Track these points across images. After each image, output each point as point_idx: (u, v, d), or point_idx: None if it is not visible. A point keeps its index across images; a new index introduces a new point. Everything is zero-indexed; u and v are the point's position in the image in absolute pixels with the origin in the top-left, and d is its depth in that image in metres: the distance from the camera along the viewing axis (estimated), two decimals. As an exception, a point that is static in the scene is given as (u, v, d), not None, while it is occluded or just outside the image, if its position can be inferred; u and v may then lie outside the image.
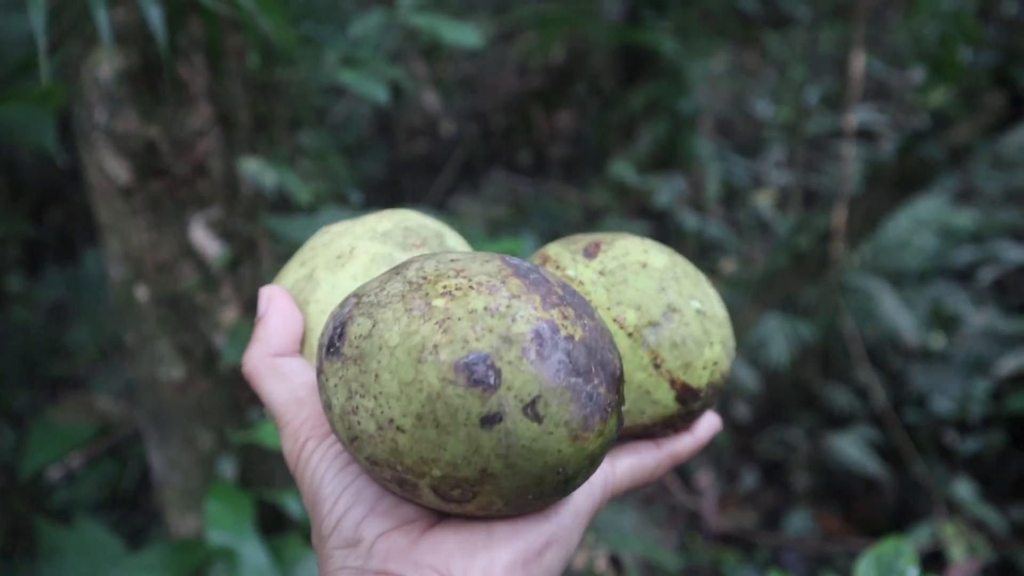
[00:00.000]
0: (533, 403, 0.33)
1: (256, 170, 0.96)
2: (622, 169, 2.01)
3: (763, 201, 2.34)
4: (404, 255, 0.45)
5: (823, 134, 2.16)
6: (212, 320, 0.96)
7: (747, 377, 1.83)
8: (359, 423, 0.34)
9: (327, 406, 0.36)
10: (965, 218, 2.16)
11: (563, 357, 0.33)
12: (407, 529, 0.37)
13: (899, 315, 1.84)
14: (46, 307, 1.51)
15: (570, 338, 0.34)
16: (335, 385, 0.35)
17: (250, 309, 0.98)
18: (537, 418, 0.33)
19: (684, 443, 0.47)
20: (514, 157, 2.67)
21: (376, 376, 0.34)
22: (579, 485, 0.36)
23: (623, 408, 0.37)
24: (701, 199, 2.24)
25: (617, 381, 0.35)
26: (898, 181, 1.62)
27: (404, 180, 2.53)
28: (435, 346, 0.33)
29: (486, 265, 0.36)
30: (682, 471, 1.92)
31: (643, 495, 1.82)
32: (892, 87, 2.38)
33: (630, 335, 0.43)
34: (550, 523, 0.38)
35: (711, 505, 1.89)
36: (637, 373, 0.43)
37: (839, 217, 1.61)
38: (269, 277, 1.01)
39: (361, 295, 0.36)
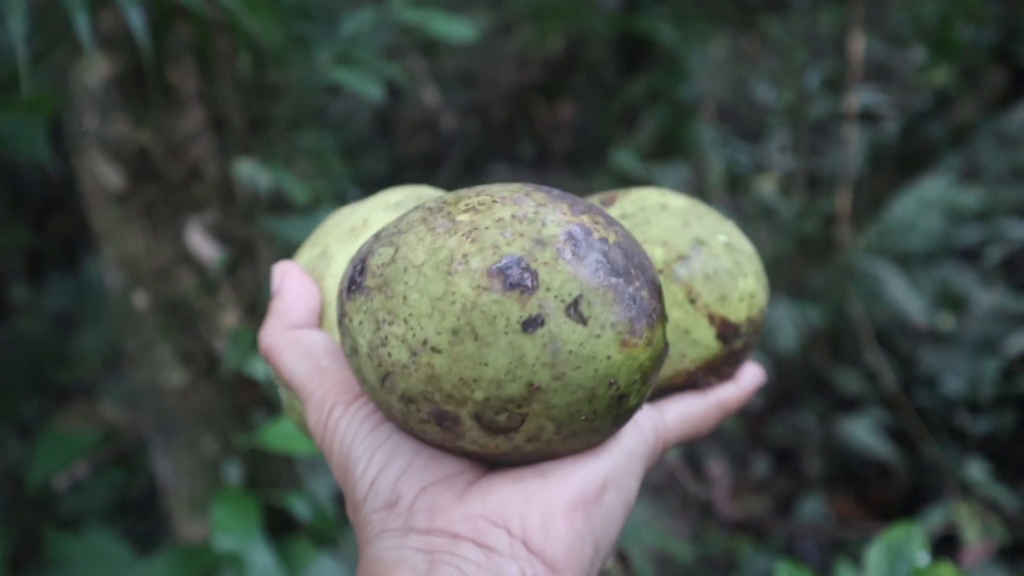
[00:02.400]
0: (576, 303, 0.30)
1: (251, 172, 0.95)
2: (624, 159, 2.00)
3: (767, 186, 2.32)
4: None
5: (825, 117, 2.14)
6: (212, 324, 0.95)
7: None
8: (390, 355, 0.32)
9: (353, 351, 0.33)
10: (970, 197, 2.14)
11: (600, 257, 0.31)
12: (451, 482, 0.34)
13: (907, 297, 1.83)
14: (50, 316, 1.52)
15: (604, 240, 0.32)
16: (360, 322, 0.33)
17: (250, 312, 0.98)
18: (582, 319, 0.30)
19: (731, 392, 0.44)
20: (515, 150, 2.66)
21: (404, 298, 0.31)
22: (633, 407, 0.33)
23: (665, 322, 0.34)
24: (704, 186, 2.23)
25: (657, 290, 0.33)
26: (902, 162, 1.61)
27: (406, 176, 2.53)
28: (464, 255, 0.31)
29: (508, 185, 0.34)
30: (693, 460, 1.91)
31: (654, 486, 1.82)
32: (893, 68, 2.36)
33: (660, 271, 0.41)
34: (603, 462, 0.35)
35: (723, 493, 1.88)
36: (673, 311, 0.41)
37: (843, 200, 1.59)
38: (268, 280, 1.00)
39: (380, 232, 0.34)
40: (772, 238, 2.05)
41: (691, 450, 1.91)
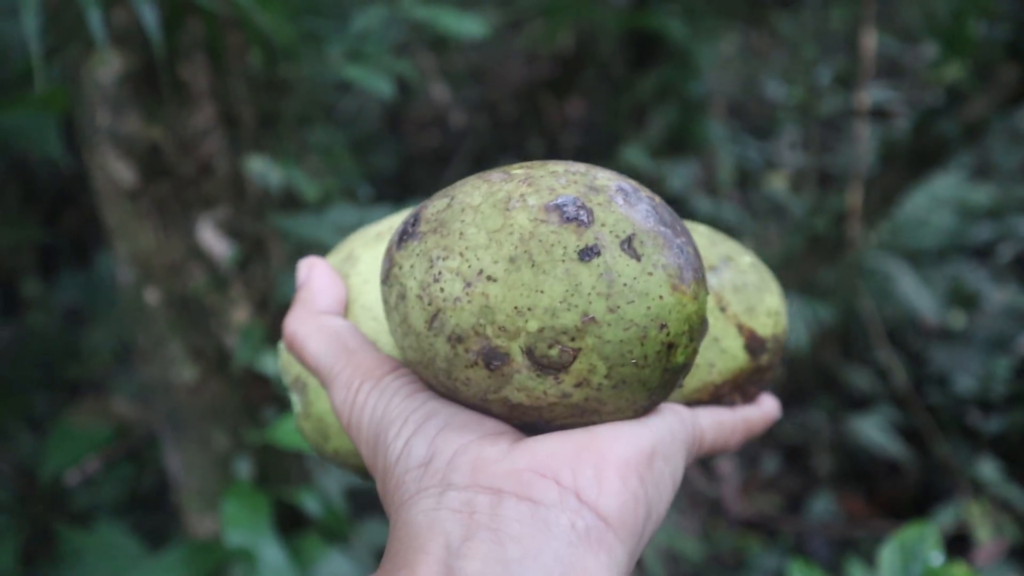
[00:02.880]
0: (629, 240, 0.31)
1: (262, 168, 0.95)
2: (634, 155, 1.99)
3: (777, 183, 2.32)
4: None
5: (836, 114, 2.13)
6: (223, 321, 0.95)
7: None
8: (442, 290, 0.32)
9: (400, 298, 0.33)
10: (982, 194, 2.13)
11: (649, 208, 0.32)
12: (493, 439, 0.32)
13: (918, 294, 1.82)
14: (62, 311, 1.52)
15: (652, 198, 0.33)
16: (411, 266, 0.33)
17: (261, 308, 0.98)
18: (636, 255, 0.31)
19: (755, 413, 0.43)
20: (525, 146, 2.66)
21: (460, 234, 0.32)
22: (679, 366, 0.33)
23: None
24: (714, 183, 2.22)
25: (698, 253, 0.34)
26: (913, 159, 1.60)
27: (415, 173, 2.53)
28: (522, 195, 0.32)
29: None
30: (703, 458, 1.90)
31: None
32: (905, 64, 2.35)
33: None
34: (651, 430, 0.34)
35: (732, 491, 1.88)
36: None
37: (855, 197, 1.59)
38: (278, 276, 1.00)
39: (432, 195, 0.35)
40: (782, 235, 2.04)
41: (700, 447, 1.90)
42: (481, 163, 2.50)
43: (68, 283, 1.54)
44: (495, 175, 0.34)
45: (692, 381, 0.42)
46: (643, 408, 0.34)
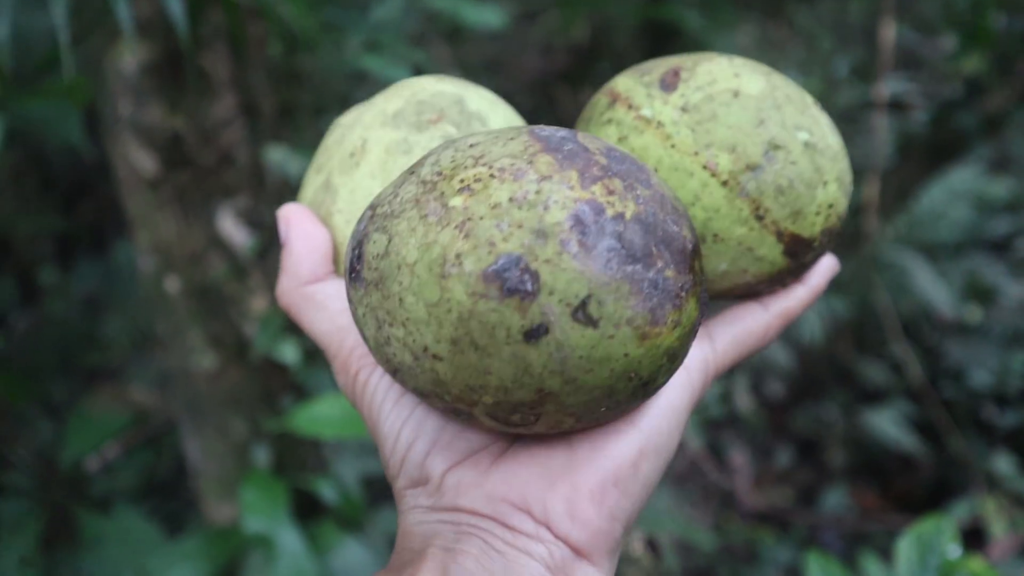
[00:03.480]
0: (583, 305, 0.27)
1: (281, 158, 0.96)
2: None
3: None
4: (421, 136, 0.39)
5: (854, 106, 2.12)
6: (242, 309, 0.96)
7: (780, 354, 1.81)
8: (395, 355, 0.30)
9: (363, 337, 0.32)
10: (1001, 188, 2.11)
11: (613, 243, 0.28)
12: (476, 460, 0.33)
13: (934, 288, 1.81)
14: (79, 300, 1.53)
15: (619, 217, 0.28)
16: (363, 315, 0.31)
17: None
18: (591, 322, 0.28)
19: (796, 297, 0.40)
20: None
21: (400, 301, 0.29)
22: (662, 385, 0.31)
23: (704, 287, 0.31)
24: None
25: (689, 257, 0.30)
26: (931, 152, 1.59)
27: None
28: (457, 256, 0.28)
29: (510, 144, 0.30)
30: (715, 450, 1.91)
31: (676, 474, 1.82)
32: (923, 56, 2.33)
33: (725, 183, 0.36)
34: (640, 430, 0.33)
35: (745, 484, 1.88)
36: (736, 228, 0.36)
37: (871, 190, 1.58)
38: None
39: (376, 206, 0.32)
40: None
41: (714, 439, 1.91)
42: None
43: (86, 272, 1.55)
44: (432, 206, 0.29)
45: (722, 282, 0.38)
46: (633, 408, 0.32)
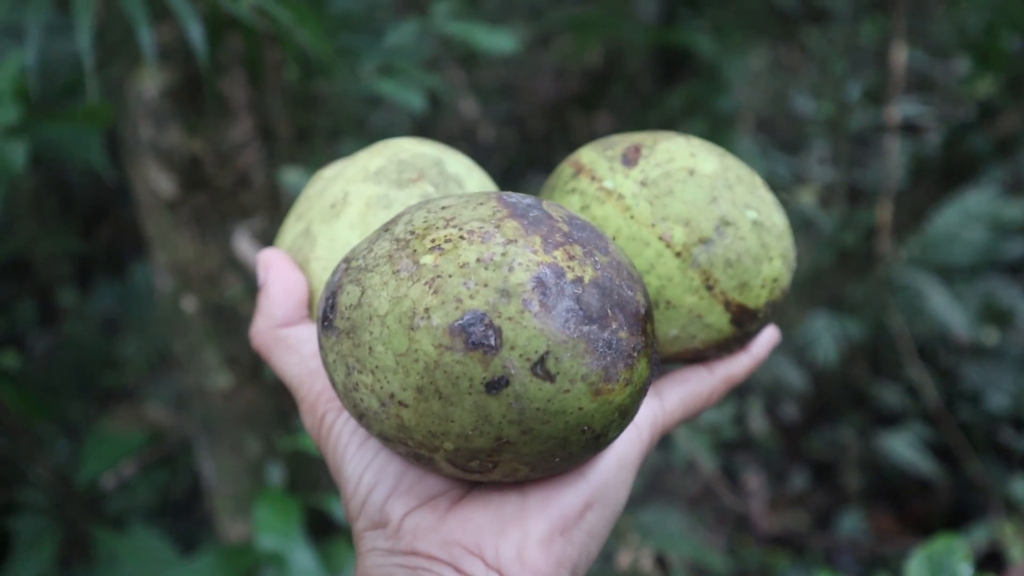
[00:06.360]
0: (542, 361, 0.29)
1: (297, 180, 0.97)
2: (661, 170, 1.99)
3: (807, 198, 2.31)
4: (400, 192, 0.41)
5: (866, 129, 2.12)
6: (257, 329, 0.97)
7: (795, 376, 1.80)
8: (362, 400, 0.32)
9: (332, 382, 0.34)
10: (1015, 210, 2.11)
11: (571, 304, 0.30)
12: (434, 505, 0.35)
13: (949, 311, 1.81)
14: (97, 321, 1.55)
15: (578, 281, 0.30)
16: (334, 361, 0.33)
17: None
18: (548, 376, 0.30)
19: (740, 364, 0.43)
20: (553, 161, 2.67)
21: (370, 349, 0.31)
22: (613, 439, 0.33)
23: (655, 349, 0.33)
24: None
25: (642, 320, 0.32)
26: (945, 174, 1.59)
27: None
28: (426, 310, 0.30)
29: (479, 208, 0.32)
30: (730, 473, 1.90)
31: (690, 497, 1.81)
32: (936, 78, 2.34)
33: (678, 254, 0.39)
34: (588, 482, 0.35)
35: (760, 507, 1.86)
36: (687, 297, 0.39)
37: (884, 212, 1.58)
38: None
39: (351, 259, 0.34)
40: (811, 250, 2.04)
41: (728, 462, 1.90)
42: (508, 177, 2.52)
43: (104, 293, 1.57)
44: (404, 263, 0.31)
45: (672, 347, 0.41)
46: (585, 460, 0.34)
